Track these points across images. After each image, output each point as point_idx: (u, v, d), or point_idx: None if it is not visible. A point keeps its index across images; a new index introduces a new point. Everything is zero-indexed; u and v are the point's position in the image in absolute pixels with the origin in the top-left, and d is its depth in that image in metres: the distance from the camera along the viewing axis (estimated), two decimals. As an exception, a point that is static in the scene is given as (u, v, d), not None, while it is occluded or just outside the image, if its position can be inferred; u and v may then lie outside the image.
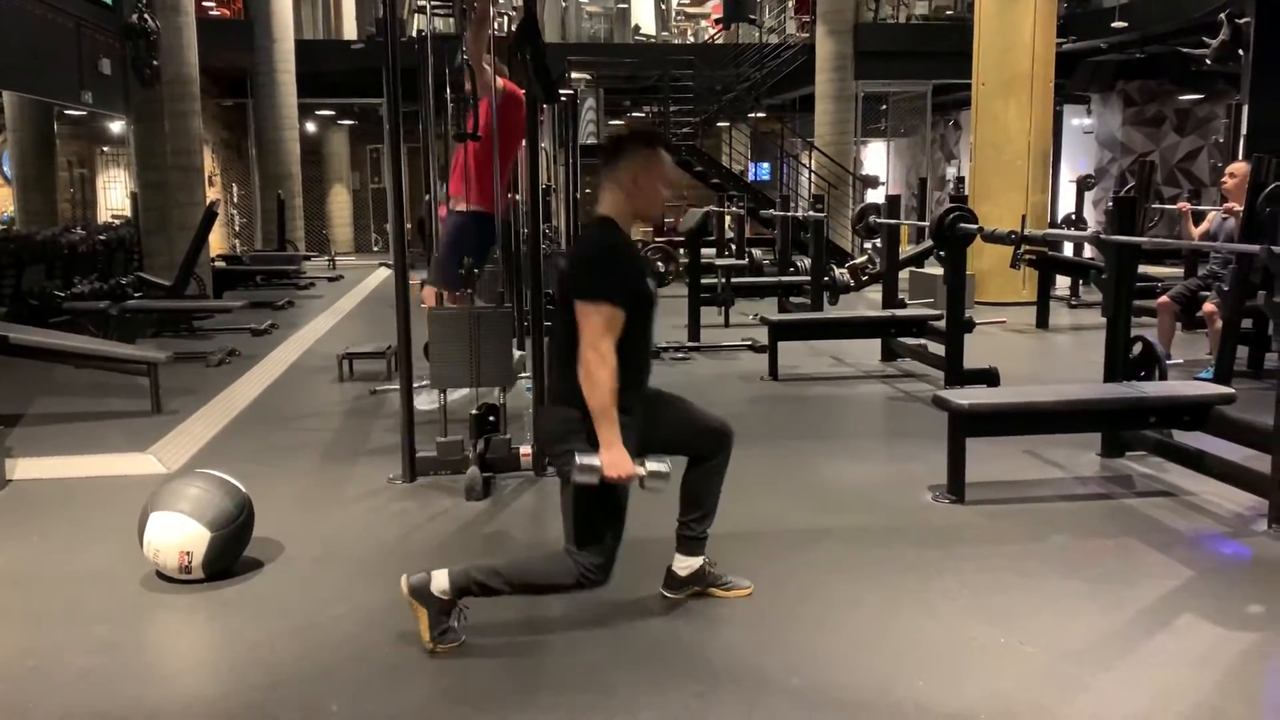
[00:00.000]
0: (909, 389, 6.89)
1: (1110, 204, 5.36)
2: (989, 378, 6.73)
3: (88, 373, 6.41)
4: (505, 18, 4.80)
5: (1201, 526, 4.05)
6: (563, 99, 9.64)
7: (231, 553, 3.56)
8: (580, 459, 2.89)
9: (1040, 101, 10.98)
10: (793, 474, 4.89)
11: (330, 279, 15.10)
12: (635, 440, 3.03)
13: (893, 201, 7.84)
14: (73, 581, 3.59)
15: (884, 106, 19.85)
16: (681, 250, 10.16)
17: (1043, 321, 9.59)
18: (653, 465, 2.93)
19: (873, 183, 16.70)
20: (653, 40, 20.58)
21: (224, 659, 3.07)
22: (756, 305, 10.33)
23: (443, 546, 3.95)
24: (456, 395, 5.43)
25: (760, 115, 20.14)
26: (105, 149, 18.61)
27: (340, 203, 22.43)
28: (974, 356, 7.00)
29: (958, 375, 6.71)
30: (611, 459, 2.88)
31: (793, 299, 9.96)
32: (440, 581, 3.02)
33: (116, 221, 13.65)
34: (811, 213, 9.38)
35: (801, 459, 5.12)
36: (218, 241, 19.43)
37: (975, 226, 6.33)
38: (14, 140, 14.32)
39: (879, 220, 8.24)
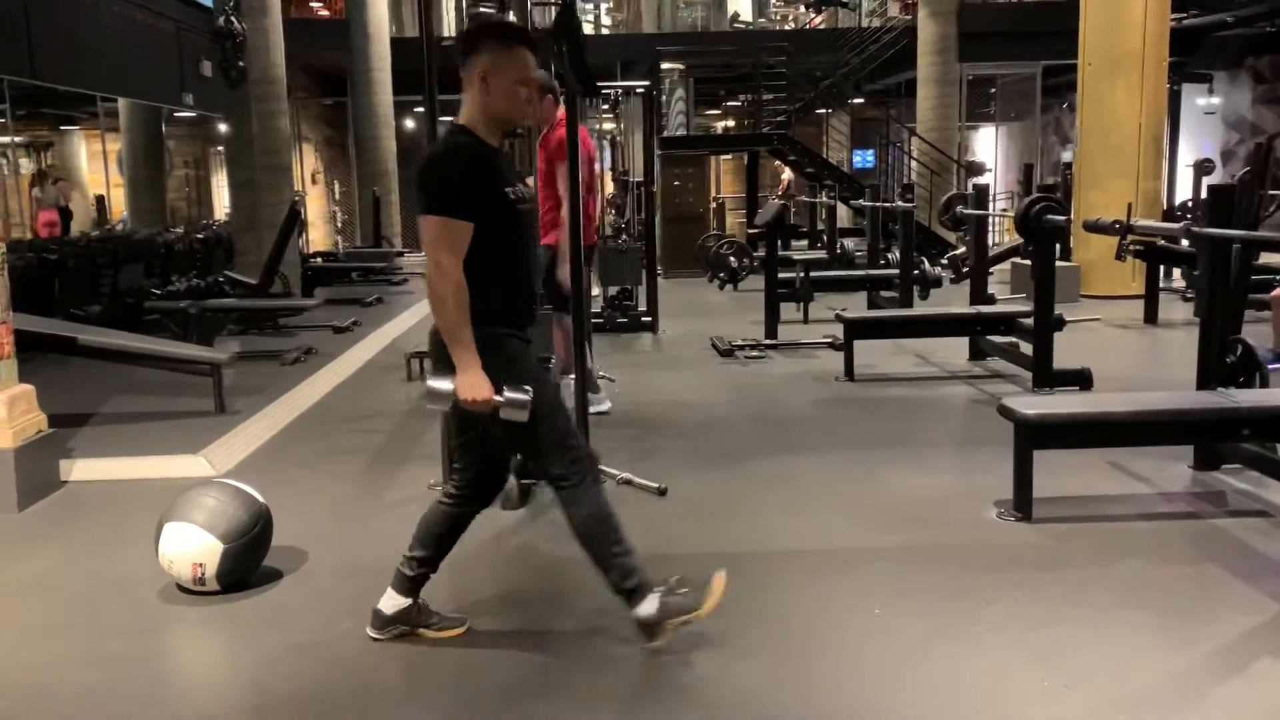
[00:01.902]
0: (994, 391, 6.48)
1: (1208, 192, 4.89)
2: (1082, 379, 6.29)
3: (163, 373, 6.50)
4: (545, 8, 4.63)
5: (1298, 553, 3.64)
6: (643, 91, 9.51)
7: (246, 564, 3.49)
8: (431, 382, 2.72)
9: (1153, 81, 10.30)
10: (851, 485, 4.60)
11: (420, 274, 15.25)
12: (518, 358, 2.81)
13: (980, 191, 7.41)
14: (97, 590, 3.58)
15: (992, 90, 19.06)
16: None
17: (1151, 317, 8.98)
18: (511, 393, 2.70)
19: (978, 169, 16.00)
20: (749, 28, 20.19)
21: (223, 678, 3.00)
22: (844, 300, 9.97)
23: (466, 558, 3.78)
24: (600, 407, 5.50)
25: (861, 101, 19.61)
26: (220, 149, 19.22)
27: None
28: (1071, 355, 6.58)
29: (1046, 377, 6.30)
30: (465, 382, 2.68)
31: (883, 293, 9.56)
32: (390, 600, 3.00)
33: (216, 221, 14.04)
34: (900, 202, 8.98)
35: (863, 468, 4.83)
36: (320, 238, 19.94)
37: (1064, 218, 5.90)
38: (126, 143, 14.89)
39: (966, 210, 7.81)
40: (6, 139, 16.74)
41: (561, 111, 5.25)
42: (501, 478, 3.11)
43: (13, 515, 4.36)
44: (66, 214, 14.87)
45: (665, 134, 13.99)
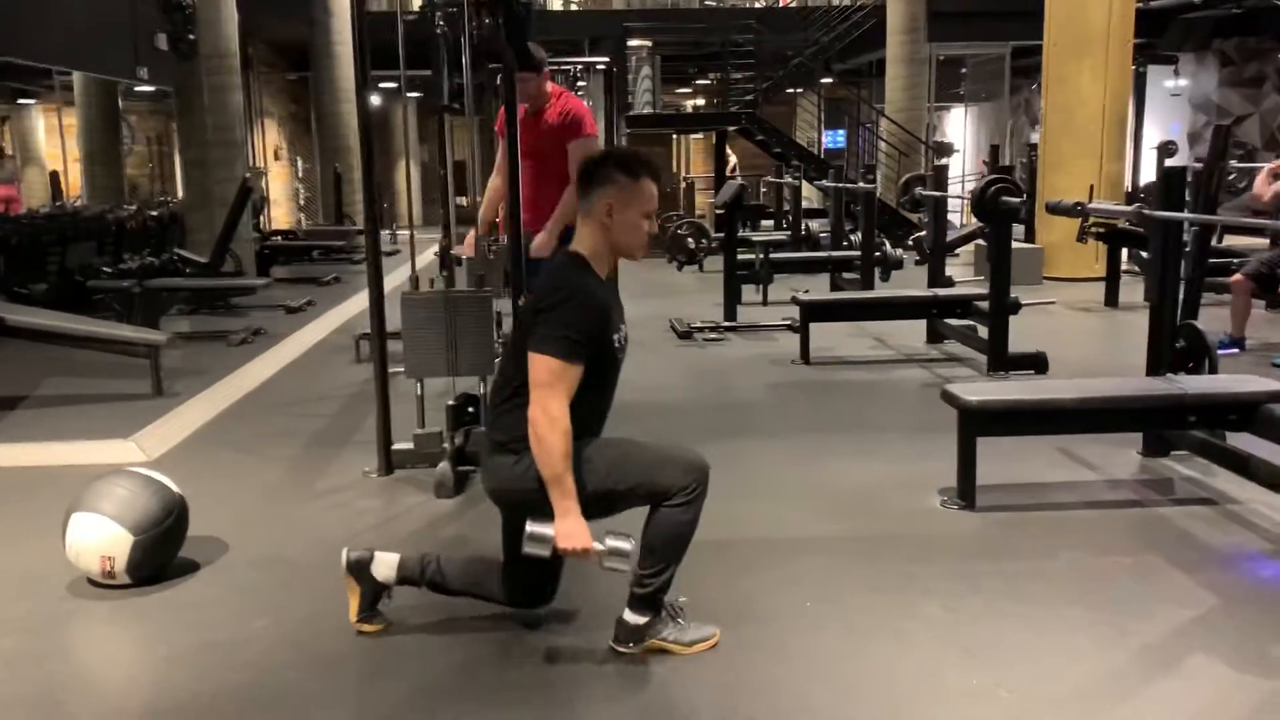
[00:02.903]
0: (949, 374, 6.41)
1: (1159, 174, 4.82)
2: (1037, 363, 6.24)
3: (104, 355, 6.32)
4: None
5: (1240, 542, 3.58)
6: (602, 68, 9.33)
7: (159, 557, 3.35)
8: (531, 527, 2.60)
9: (1117, 62, 10.24)
10: (797, 471, 4.51)
11: (388, 254, 15.00)
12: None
13: (939, 172, 7.32)
14: (3, 586, 3.43)
15: (963, 70, 18.98)
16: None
17: (1112, 300, 8.94)
18: (613, 542, 2.61)
19: (946, 150, 15.94)
20: (719, 5, 19.97)
21: (122, 678, 2.87)
22: (808, 282, 9.88)
23: (392, 549, 3.68)
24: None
25: (832, 81, 19.49)
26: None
27: (406, 176, 22.39)
28: (1029, 339, 6.52)
29: (1001, 360, 6.25)
30: (566, 529, 2.58)
31: (845, 275, 9.48)
32: (383, 566, 2.89)
33: (173, 199, 13.77)
34: (862, 183, 8.89)
35: (811, 454, 4.74)
36: (283, 216, 19.63)
37: (1019, 200, 5.81)
38: (81, 118, 14.57)
39: (924, 192, 7.72)
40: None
41: (553, 86, 4.93)
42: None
43: (-74, 503, 4.20)
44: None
45: (631, 113, 13.81)
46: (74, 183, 15.95)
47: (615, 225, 2.71)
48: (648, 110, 14.40)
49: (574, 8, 21.73)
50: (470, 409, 4.57)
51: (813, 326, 6.96)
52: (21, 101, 18.70)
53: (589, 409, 2.76)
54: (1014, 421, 3.98)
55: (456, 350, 4.45)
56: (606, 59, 8.90)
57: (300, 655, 2.87)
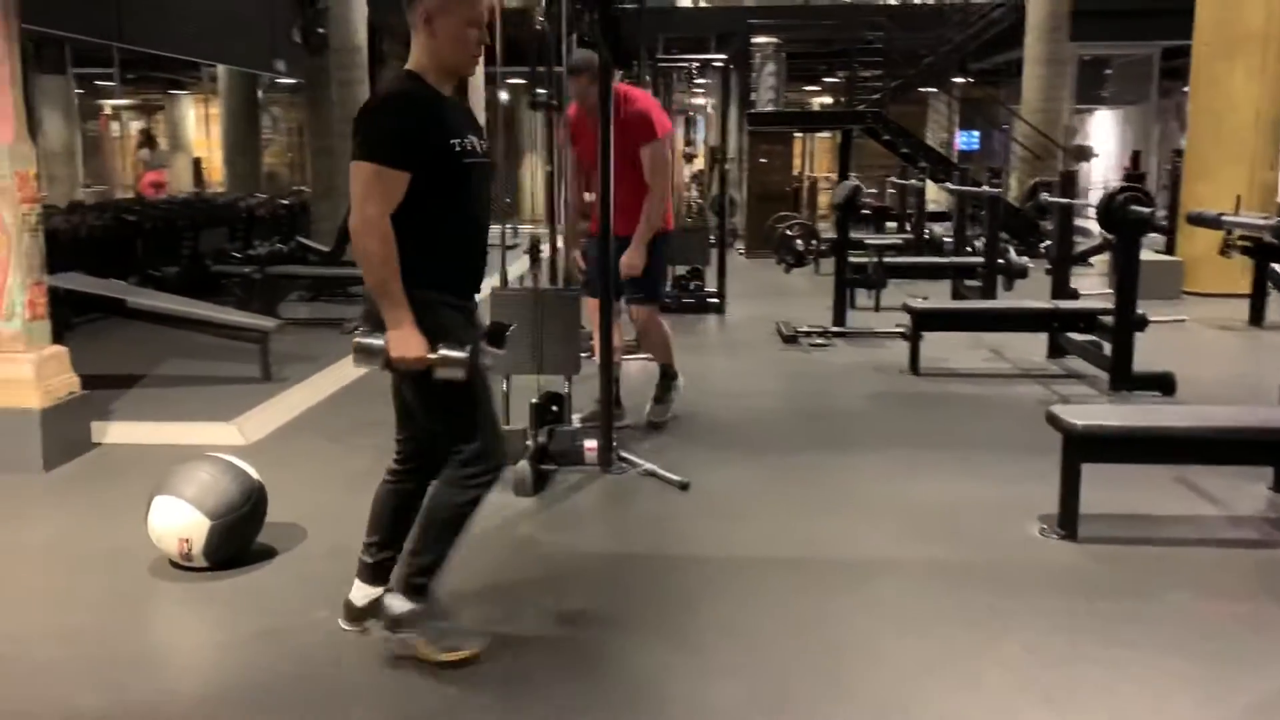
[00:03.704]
0: (1067, 392, 6.07)
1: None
2: (1164, 384, 5.85)
3: (222, 339, 6.53)
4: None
5: (1373, 596, 3.24)
6: (721, 65, 9.22)
7: (235, 542, 3.41)
8: (359, 339, 2.53)
9: (1274, 64, 9.55)
10: (887, 488, 4.32)
11: (509, 247, 15.21)
12: (455, 322, 2.62)
13: (1067, 177, 6.94)
14: (89, 560, 3.55)
15: (1107, 71, 18.10)
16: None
17: (1257, 318, 8.33)
18: (446, 350, 2.50)
19: (1086, 155, 15.22)
20: (850, 1, 19.53)
21: (181, 661, 2.93)
22: (928, 289, 9.55)
23: (463, 547, 3.66)
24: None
25: (968, 80, 18.88)
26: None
27: (535, 172, 22.65)
28: (1159, 357, 6.13)
29: (1124, 379, 5.88)
30: (398, 338, 2.49)
31: (967, 282, 9.11)
32: (395, 603, 2.75)
33: (303, 188, 14.23)
34: (987, 187, 8.53)
35: (905, 470, 4.53)
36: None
37: (1149, 210, 5.45)
38: (223, 108, 15.22)
39: (1049, 199, 7.34)
40: (116, 102, 17.30)
41: (621, 86, 4.78)
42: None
43: (39, 475, 4.39)
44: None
45: (753, 110, 13.63)
46: (216, 170, 16.69)
47: (437, 36, 2.56)
48: (770, 108, 14.19)
49: (702, 4, 21.60)
50: (554, 407, 4.53)
51: (926, 336, 6.70)
52: (173, 92, 19.68)
53: (450, 243, 2.62)
54: (1123, 448, 3.71)
55: (543, 348, 4.41)
56: (724, 56, 8.77)
57: (352, 650, 2.86)
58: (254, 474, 3.51)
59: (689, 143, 14.48)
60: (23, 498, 4.17)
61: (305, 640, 2.93)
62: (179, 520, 3.31)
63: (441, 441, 2.70)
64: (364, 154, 2.49)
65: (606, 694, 2.66)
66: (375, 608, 2.87)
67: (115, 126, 19.09)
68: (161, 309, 5.78)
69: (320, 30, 9.49)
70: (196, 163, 16.59)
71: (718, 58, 9.19)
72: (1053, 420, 3.75)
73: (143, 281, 8.39)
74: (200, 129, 19.41)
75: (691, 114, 14.56)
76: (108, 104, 18.28)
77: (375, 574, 2.89)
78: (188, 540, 3.31)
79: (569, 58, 4.82)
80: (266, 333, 5.97)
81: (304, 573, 3.42)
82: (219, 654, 2.88)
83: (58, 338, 4.84)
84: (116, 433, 4.95)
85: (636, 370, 6.17)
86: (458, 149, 2.57)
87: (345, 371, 6.48)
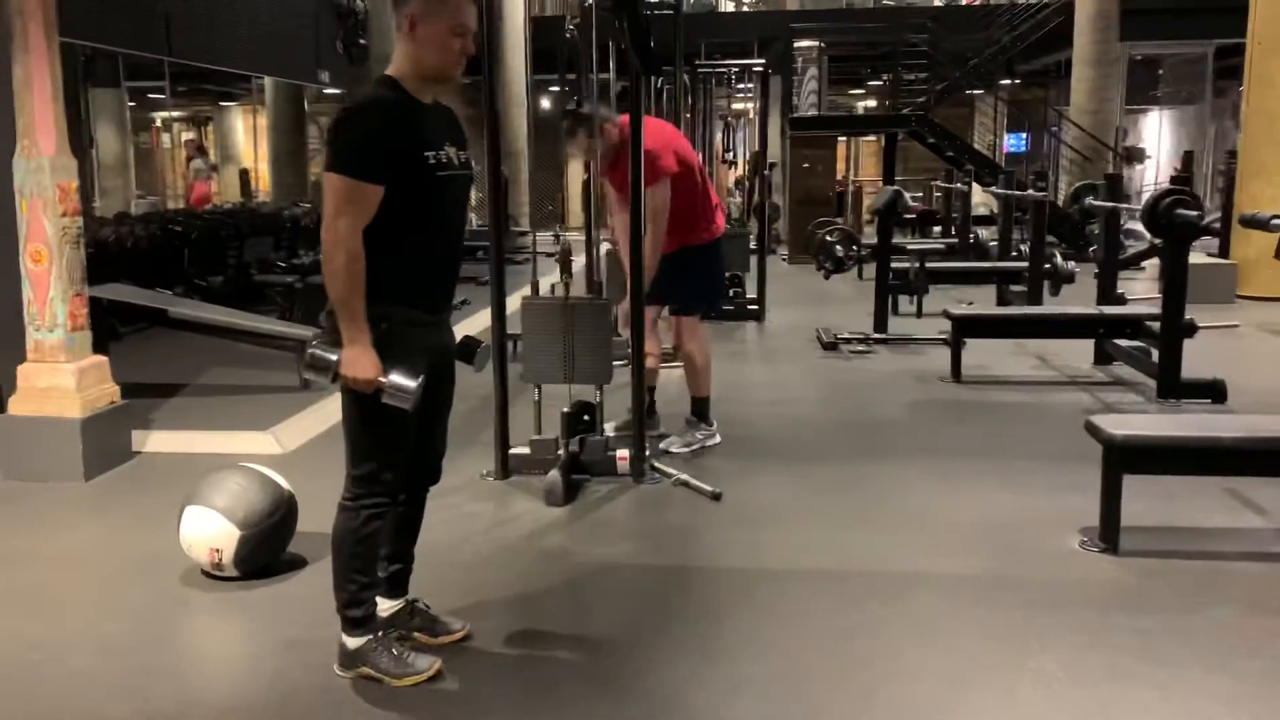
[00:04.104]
0: (1112, 400, 5.94)
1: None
2: (1214, 391, 5.70)
3: (262, 347, 6.60)
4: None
5: None
6: (760, 70, 9.15)
7: (265, 552, 3.43)
8: (313, 350, 2.50)
9: (1332, 62, 9.30)
10: (923, 500, 4.23)
11: (550, 254, 15.26)
12: (417, 342, 2.57)
13: (1112, 180, 6.79)
14: (123, 568, 3.59)
15: (1159, 71, 17.75)
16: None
17: (1315, 323, 8.12)
18: (397, 378, 2.46)
19: (1138, 156, 14.92)
20: (895, 4, 19.39)
21: (207, 671, 2.94)
22: (973, 294, 9.42)
23: (492, 557, 3.66)
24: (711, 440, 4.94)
25: (1016, 82, 18.61)
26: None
27: (579, 178, 22.73)
28: (1211, 364, 5.98)
29: (1172, 387, 5.75)
30: (352, 356, 2.45)
31: (1013, 288, 8.96)
32: (349, 640, 2.73)
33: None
34: (1032, 190, 8.37)
35: (942, 481, 4.45)
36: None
37: (1194, 213, 5.31)
38: (270, 119, 15.43)
39: (1095, 202, 7.19)
40: (168, 114, 17.63)
41: (625, 120, 4.44)
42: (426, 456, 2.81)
43: (79, 484, 4.45)
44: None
45: (794, 114, 13.54)
46: (264, 180, 16.93)
47: (420, 41, 2.51)
48: (812, 112, 14.08)
49: (745, 9, 21.55)
50: (586, 417, 4.51)
51: (970, 343, 6.59)
52: (223, 104, 20.02)
53: (416, 239, 2.55)
54: (1165, 459, 3.60)
55: (574, 358, 4.40)
56: (762, 61, 8.72)
57: (374, 662, 2.86)
58: (284, 484, 3.53)
59: (728, 149, 14.39)
60: (62, 506, 4.23)
61: (328, 652, 2.91)
62: (209, 530, 3.33)
63: (347, 453, 2.65)
64: (336, 165, 2.44)
65: (630, 706, 2.63)
66: (396, 620, 2.87)
67: (166, 138, 19.45)
68: (201, 318, 5.86)
69: (361, 41, 9.58)
70: (243, 174, 16.83)
71: (757, 62, 9.11)
72: (1092, 430, 3.65)
73: (189, 291, 8.52)
74: (249, 140, 19.72)
75: (730, 119, 14.46)
76: (159, 116, 18.64)
77: (390, 587, 2.88)
78: (218, 550, 3.34)
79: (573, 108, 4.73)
80: (304, 341, 6.00)
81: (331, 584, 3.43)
82: (246, 664, 2.90)
83: (103, 348, 4.93)
84: (156, 441, 5.02)
85: (672, 379, 6.13)
86: (431, 162, 2.51)
87: (383, 380, 6.53)
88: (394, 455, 2.64)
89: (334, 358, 2.48)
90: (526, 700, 2.67)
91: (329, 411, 5.67)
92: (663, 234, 4.57)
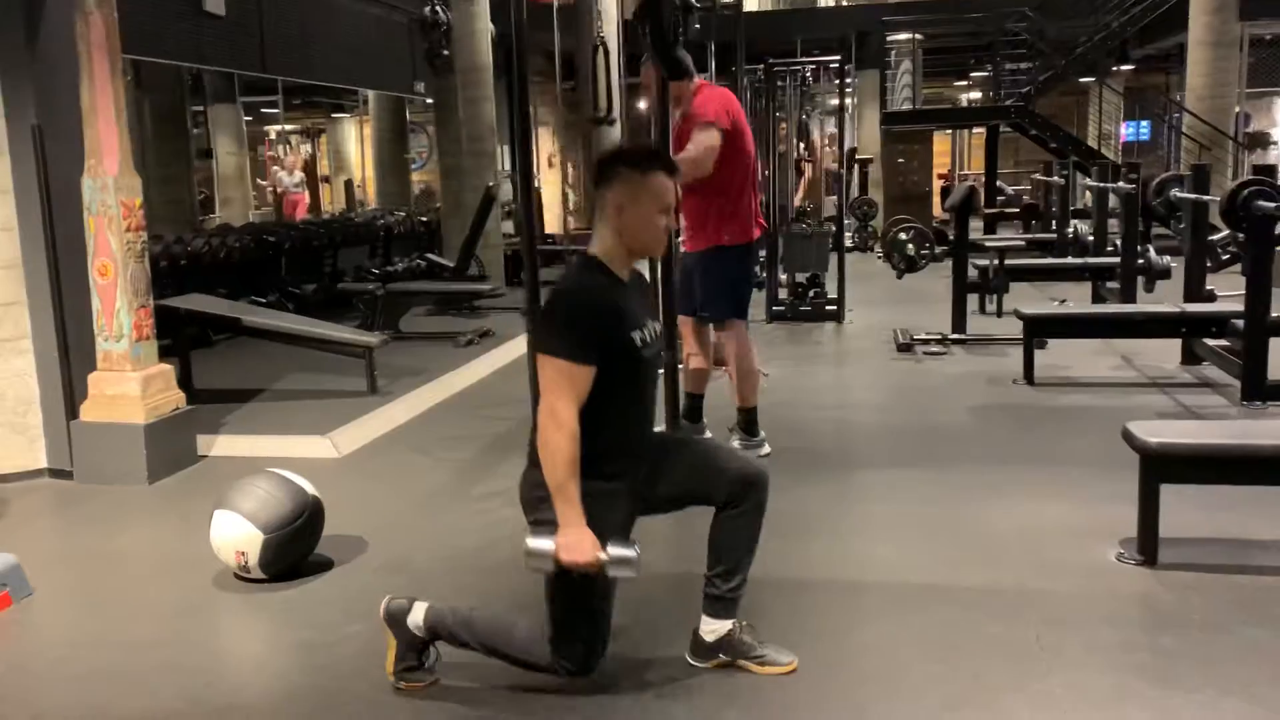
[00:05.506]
0: (1193, 403, 5.65)
1: None
2: (1302, 393, 5.36)
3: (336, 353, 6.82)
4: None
5: None
6: (836, 66, 9.00)
7: (289, 555, 3.54)
8: (531, 542, 2.48)
9: None
10: (964, 508, 4.10)
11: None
12: (624, 511, 2.62)
13: (1198, 171, 6.44)
14: (161, 569, 3.77)
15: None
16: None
17: None
18: (616, 550, 2.45)
19: (1262, 142, 14.10)
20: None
21: (218, 670, 3.04)
22: (1067, 291, 9.09)
23: (514, 564, 3.69)
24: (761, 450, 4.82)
25: (1129, 68, 17.82)
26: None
27: (678, 180, 22.72)
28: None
29: (1258, 389, 5.44)
30: (568, 541, 2.44)
31: (1108, 285, 8.59)
32: (418, 615, 2.78)
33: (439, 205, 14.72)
34: (1122, 183, 8.01)
35: (989, 489, 4.30)
36: (552, 221, 20.47)
37: (1274, 205, 5.00)
38: (374, 129, 15.91)
39: (1180, 194, 6.83)
40: (280, 127, 18.34)
41: (699, 84, 4.51)
42: (732, 473, 2.73)
43: (142, 487, 4.68)
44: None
45: (888, 109, 13.26)
46: (370, 190, 17.47)
47: (627, 224, 2.57)
48: (906, 106, 13.76)
49: (843, 3, 21.20)
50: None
51: (1052, 343, 6.34)
52: (335, 116, 20.73)
53: (621, 416, 2.60)
54: (1206, 469, 3.41)
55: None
56: (837, 57, 8.56)
57: (377, 666, 2.91)
58: (310, 489, 3.64)
59: (808, 146, 14.14)
60: (123, 507, 4.46)
61: (335, 654, 3.01)
62: (236, 533, 3.47)
63: (547, 619, 2.65)
64: (550, 349, 2.50)
65: (616, 716, 2.62)
66: (725, 644, 2.79)
67: (283, 150, 20.23)
68: (273, 326, 6.09)
69: (445, 52, 9.80)
70: (348, 184, 17.39)
71: (833, 60, 8.96)
72: (1128, 437, 3.48)
73: (282, 299, 8.86)
74: (359, 150, 20.38)
75: (805, 116, 14.21)
76: (273, 129, 19.43)
77: (720, 608, 2.79)
78: (244, 553, 3.47)
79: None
80: (370, 348, 6.19)
81: (352, 586, 3.52)
82: (254, 663, 3.01)
83: (184, 357, 5.13)
84: (221, 446, 5.24)
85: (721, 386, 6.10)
86: (639, 342, 2.59)
87: (449, 385, 6.68)
88: (595, 630, 2.64)
89: (551, 546, 2.46)
90: (535, 703, 2.70)
91: (390, 416, 5.85)
92: (694, 169, 4.32)
